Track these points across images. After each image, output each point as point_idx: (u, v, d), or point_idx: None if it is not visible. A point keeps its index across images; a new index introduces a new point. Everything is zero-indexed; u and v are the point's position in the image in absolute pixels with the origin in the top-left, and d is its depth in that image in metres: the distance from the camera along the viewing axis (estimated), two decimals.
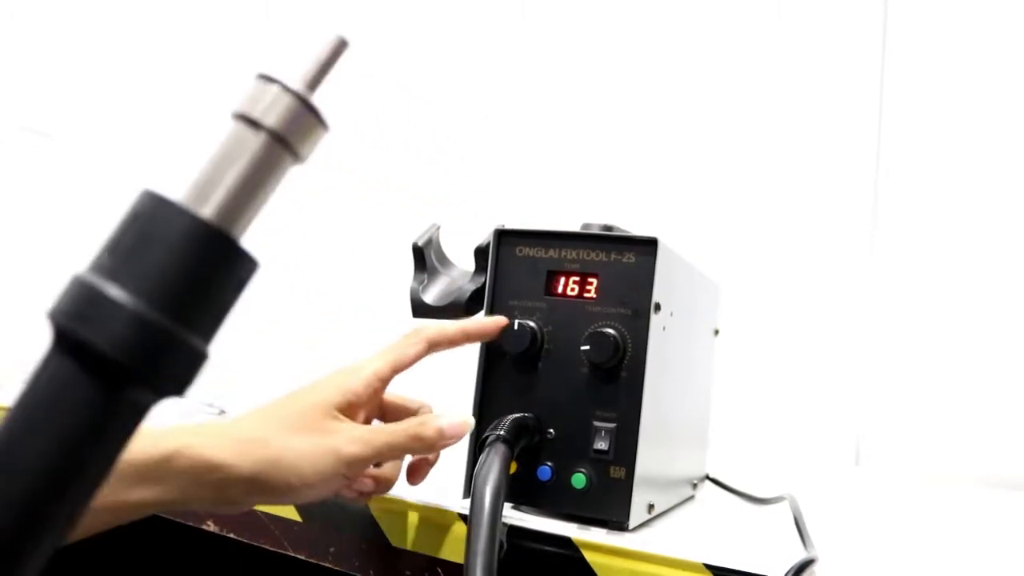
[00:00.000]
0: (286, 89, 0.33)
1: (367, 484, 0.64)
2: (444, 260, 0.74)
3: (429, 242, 0.73)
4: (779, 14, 1.24)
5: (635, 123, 1.33)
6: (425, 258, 0.73)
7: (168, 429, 0.55)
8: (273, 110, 0.33)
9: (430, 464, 0.66)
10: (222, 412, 1.16)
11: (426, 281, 0.72)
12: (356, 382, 0.60)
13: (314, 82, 0.34)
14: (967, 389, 1.10)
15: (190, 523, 0.84)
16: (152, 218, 0.31)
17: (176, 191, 0.32)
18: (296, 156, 0.34)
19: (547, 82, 1.42)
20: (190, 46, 1.63)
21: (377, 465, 0.63)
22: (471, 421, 0.62)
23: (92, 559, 1.16)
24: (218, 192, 0.32)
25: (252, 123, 0.33)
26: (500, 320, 0.65)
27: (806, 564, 0.55)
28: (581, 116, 1.38)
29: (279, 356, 1.57)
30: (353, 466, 0.57)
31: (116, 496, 0.51)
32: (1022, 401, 1.07)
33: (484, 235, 0.70)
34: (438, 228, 0.74)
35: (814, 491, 0.89)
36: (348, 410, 0.59)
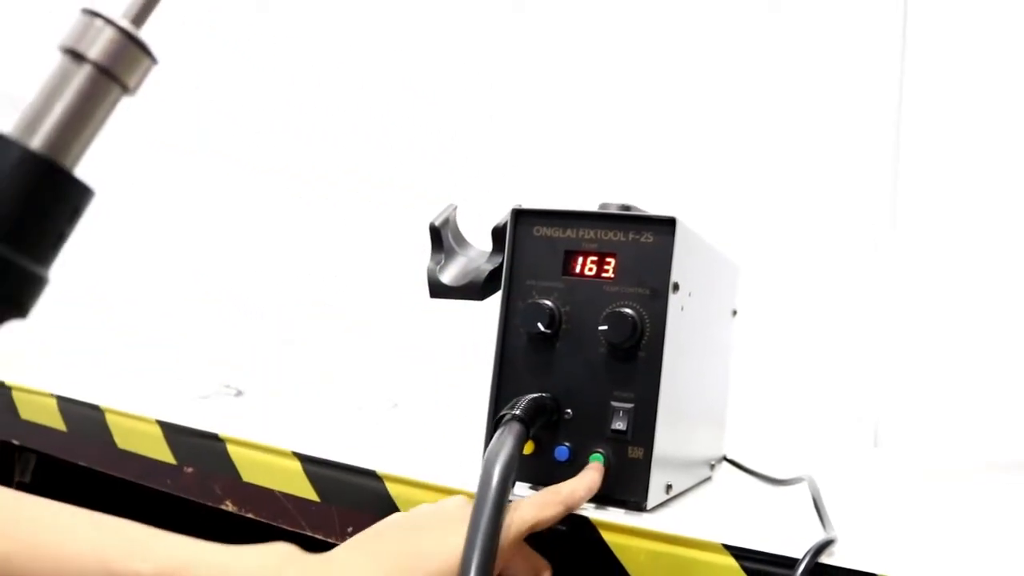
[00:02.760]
0: (109, 23, 0.34)
1: None
2: (461, 240, 0.74)
3: (446, 222, 0.73)
4: None
5: (656, 109, 1.32)
6: (442, 238, 0.72)
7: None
8: (97, 43, 0.34)
9: None
10: (239, 393, 1.16)
11: (443, 261, 0.72)
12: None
13: (140, 16, 0.35)
14: (987, 372, 1.09)
15: (208, 503, 0.84)
16: None
17: (8, 125, 0.33)
18: (124, 87, 0.35)
19: (553, 72, 1.41)
20: (187, 34, 1.63)
21: None
22: None
23: None
24: (46, 124, 0.33)
25: (77, 56, 0.34)
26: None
27: (825, 544, 0.55)
28: (601, 101, 1.37)
29: (292, 340, 1.58)
30: None
31: None
32: None
33: (501, 215, 0.70)
34: (455, 208, 0.74)
35: (832, 473, 0.88)
36: None
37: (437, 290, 0.71)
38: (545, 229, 0.67)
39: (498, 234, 0.70)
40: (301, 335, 1.56)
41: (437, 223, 0.72)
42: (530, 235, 0.67)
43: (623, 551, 0.59)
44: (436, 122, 1.51)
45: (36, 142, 0.33)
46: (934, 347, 1.13)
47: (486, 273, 0.70)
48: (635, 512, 0.62)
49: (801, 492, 0.74)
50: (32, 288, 0.33)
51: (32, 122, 0.33)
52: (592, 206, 0.67)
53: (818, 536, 0.56)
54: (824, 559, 0.53)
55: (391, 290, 1.46)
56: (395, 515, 0.58)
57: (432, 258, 0.72)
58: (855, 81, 1.19)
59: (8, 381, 1.09)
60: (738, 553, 0.56)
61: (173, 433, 0.88)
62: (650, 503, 0.62)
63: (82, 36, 0.34)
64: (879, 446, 1.15)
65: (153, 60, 0.35)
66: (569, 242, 0.66)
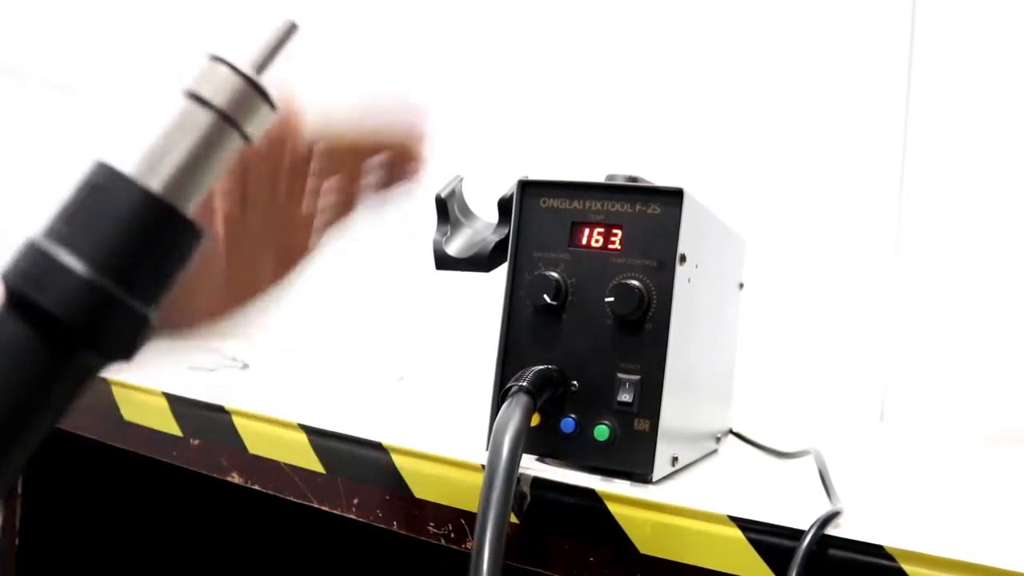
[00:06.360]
0: (235, 71, 0.34)
1: None
2: (467, 212, 0.73)
3: (452, 194, 0.72)
4: None
5: (664, 82, 1.31)
6: (448, 210, 0.72)
7: None
8: (222, 90, 0.34)
9: None
10: (245, 366, 1.17)
11: (449, 233, 0.71)
12: None
13: (263, 64, 0.35)
14: (995, 347, 1.09)
15: (214, 475, 0.84)
16: (104, 188, 0.32)
17: (127, 163, 0.33)
18: (244, 136, 0.35)
19: (566, 48, 1.40)
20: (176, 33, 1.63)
21: None
22: None
23: (116, 511, 1.18)
24: (166, 166, 0.33)
25: (202, 102, 0.34)
26: None
27: (832, 516, 0.55)
28: (610, 76, 1.36)
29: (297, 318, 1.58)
30: None
31: None
32: None
33: (507, 187, 0.69)
34: (461, 180, 0.74)
35: (838, 447, 0.88)
36: None
37: (443, 262, 0.71)
38: (552, 200, 0.66)
39: (504, 205, 0.70)
40: (306, 319, 1.56)
41: (443, 195, 0.72)
42: (536, 206, 0.67)
43: (628, 522, 0.59)
44: (437, 104, 1.50)
45: (156, 184, 0.33)
46: (942, 322, 1.12)
47: (492, 245, 0.69)
48: (641, 484, 0.62)
49: (807, 465, 0.74)
50: (141, 330, 0.33)
51: (153, 163, 0.33)
52: (599, 178, 0.67)
53: (824, 508, 0.56)
54: (830, 530, 0.53)
55: (387, 282, 1.46)
56: None
57: (438, 230, 0.72)
58: (864, 56, 1.17)
59: None
60: (744, 524, 0.56)
61: (179, 405, 0.88)
62: (656, 475, 0.62)
63: (208, 82, 0.34)
64: (885, 421, 1.15)
65: (275, 109, 0.36)
66: (576, 213, 0.65)
